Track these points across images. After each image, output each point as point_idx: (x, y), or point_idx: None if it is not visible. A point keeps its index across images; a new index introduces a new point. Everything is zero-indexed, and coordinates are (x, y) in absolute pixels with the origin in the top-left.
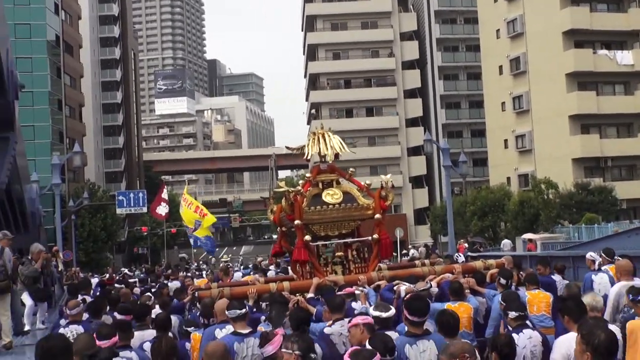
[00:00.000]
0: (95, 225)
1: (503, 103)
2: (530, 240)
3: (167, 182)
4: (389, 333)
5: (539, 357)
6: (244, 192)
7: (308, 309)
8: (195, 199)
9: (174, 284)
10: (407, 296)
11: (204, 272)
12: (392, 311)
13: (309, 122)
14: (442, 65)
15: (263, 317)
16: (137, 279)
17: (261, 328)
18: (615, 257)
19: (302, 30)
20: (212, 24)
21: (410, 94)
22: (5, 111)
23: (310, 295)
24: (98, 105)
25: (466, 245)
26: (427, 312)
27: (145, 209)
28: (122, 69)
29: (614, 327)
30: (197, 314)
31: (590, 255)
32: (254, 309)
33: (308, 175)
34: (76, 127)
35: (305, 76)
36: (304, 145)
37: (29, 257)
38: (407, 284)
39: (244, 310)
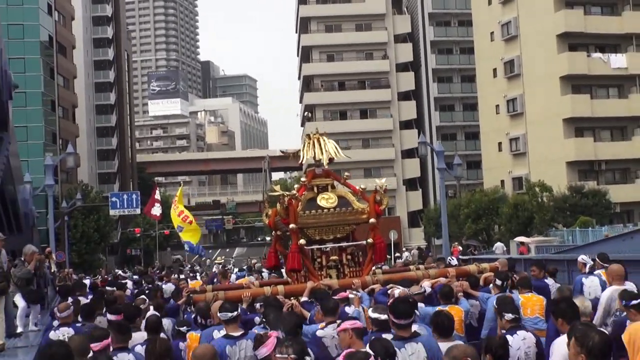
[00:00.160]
0: (88, 226)
1: (497, 106)
2: (522, 243)
3: (160, 183)
4: (386, 336)
5: (532, 358)
6: (238, 194)
7: (302, 313)
8: (189, 200)
9: (167, 287)
10: (390, 301)
11: (197, 275)
12: None
13: (302, 124)
14: (436, 68)
15: (257, 319)
16: (130, 280)
17: (255, 331)
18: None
19: (296, 32)
20: (206, 25)
21: (404, 96)
22: None
23: (304, 298)
24: (91, 106)
25: (460, 248)
26: (413, 314)
27: (138, 211)
28: (116, 70)
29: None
30: (193, 316)
31: (581, 258)
32: (247, 312)
33: (303, 179)
34: (69, 128)
35: (299, 78)
36: (299, 150)
37: (22, 259)
38: (401, 287)
39: (235, 313)
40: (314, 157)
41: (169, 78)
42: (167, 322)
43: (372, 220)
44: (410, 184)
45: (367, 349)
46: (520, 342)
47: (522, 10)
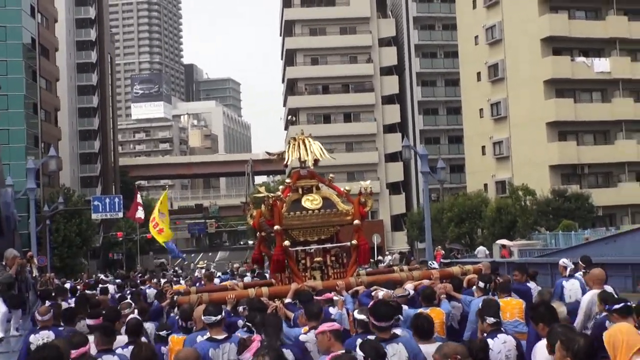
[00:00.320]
0: (70, 230)
1: (481, 110)
2: (504, 246)
3: (143, 187)
4: (369, 337)
5: None
6: (220, 198)
7: (286, 315)
8: (172, 204)
9: (150, 291)
10: (370, 303)
11: (181, 279)
12: None
13: (286, 128)
14: (420, 72)
15: (240, 322)
16: (112, 285)
17: (238, 334)
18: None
19: (281, 35)
20: (190, 28)
21: (388, 100)
22: None
23: (288, 300)
24: (74, 109)
25: (443, 252)
26: (393, 317)
27: (120, 214)
28: (99, 73)
29: None
30: (177, 318)
31: (562, 261)
32: (231, 314)
33: (288, 180)
34: (51, 131)
35: (283, 81)
36: (284, 151)
37: (3, 263)
38: (385, 289)
39: (219, 317)
40: (299, 159)
41: (152, 81)
42: (150, 326)
43: (356, 221)
44: (394, 188)
45: (358, 350)
46: (500, 345)
47: (506, 14)
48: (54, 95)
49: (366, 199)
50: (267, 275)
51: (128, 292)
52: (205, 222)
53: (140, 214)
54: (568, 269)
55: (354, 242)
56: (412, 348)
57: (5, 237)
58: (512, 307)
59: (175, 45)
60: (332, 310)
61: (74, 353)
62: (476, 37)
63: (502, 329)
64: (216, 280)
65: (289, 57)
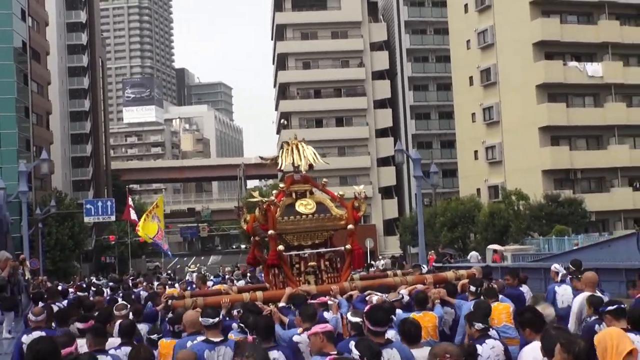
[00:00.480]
0: (63, 233)
1: (473, 114)
2: (495, 251)
3: (135, 191)
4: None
5: None
6: (213, 202)
7: (281, 319)
8: (164, 208)
9: (143, 293)
10: (367, 307)
11: (176, 283)
12: None
13: (278, 132)
14: (412, 76)
15: (235, 325)
16: (106, 288)
17: (231, 336)
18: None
19: (272, 40)
20: (181, 32)
21: (380, 104)
22: None
23: (282, 304)
24: (65, 112)
25: (435, 256)
26: (389, 322)
27: (113, 218)
28: (90, 77)
29: None
30: (167, 321)
31: (554, 267)
32: (226, 318)
33: (281, 185)
34: (43, 134)
35: (274, 85)
36: (278, 156)
37: None
38: (379, 294)
39: (217, 319)
40: (293, 164)
41: (144, 85)
42: (143, 327)
43: (350, 226)
44: (386, 192)
45: (353, 349)
46: (489, 350)
47: (498, 18)
48: (45, 99)
49: (360, 204)
50: (260, 277)
51: (121, 294)
52: (197, 226)
53: (133, 215)
54: (560, 275)
55: (348, 246)
56: (405, 353)
57: None
58: (499, 312)
59: (166, 49)
60: (326, 314)
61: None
62: (468, 41)
63: (489, 334)
64: (209, 284)
65: (281, 61)
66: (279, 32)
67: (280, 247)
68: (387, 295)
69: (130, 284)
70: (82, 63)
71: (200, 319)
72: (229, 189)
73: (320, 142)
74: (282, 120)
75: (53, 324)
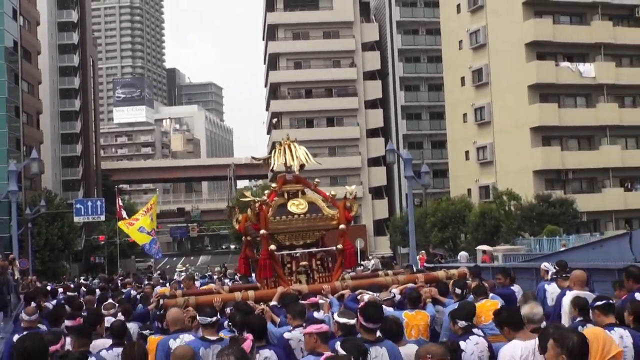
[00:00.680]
0: (52, 233)
1: (465, 114)
2: (484, 252)
3: (124, 191)
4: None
5: None
6: (202, 202)
7: (273, 318)
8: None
9: (133, 293)
10: (361, 304)
11: (167, 283)
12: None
13: (269, 132)
14: (404, 76)
15: (226, 323)
16: (96, 288)
17: (221, 334)
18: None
19: (264, 40)
20: (172, 32)
21: (371, 104)
22: None
23: (273, 303)
24: (56, 112)
25: (426, 256)
26: (382, 319)
27: (103, 218)
28: (81, 76)
29: None
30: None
31: (544, 265)
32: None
33: (273, 185)
34: (33, 134)
35: (265, 85)
36: (270, 156)
37: None
38: (371, 293)
39: (214, 319)
40: (285, 164)
41: (135, 85)
42: (132, 326)
43: (342, 226)
44: (376, 193)
45: (339, 349)
46: (473, 347)
47: (490, 18)
48: (36, 99)
49: (352, 204)
50: (250, 279)
51: (110, 294)
52: (187, 226)
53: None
54: (550, 273)
55: (340, 246)
56: (394, 352)
57: None
58: (487, 310)
59: (157, 49)
60: (316, 314)
61: None
62: (460, 41)
63: (473, 330)
64: (196, 284)
65: (272, 61)
66: (271, 32)
67: (272, 247)
68: (378, 294)
69: (119, 284)
70: (73, 63)
71: (198, 317)
72: (218, 189)
73: (311, 142)
74: (273, 120)
75: (40, 325)
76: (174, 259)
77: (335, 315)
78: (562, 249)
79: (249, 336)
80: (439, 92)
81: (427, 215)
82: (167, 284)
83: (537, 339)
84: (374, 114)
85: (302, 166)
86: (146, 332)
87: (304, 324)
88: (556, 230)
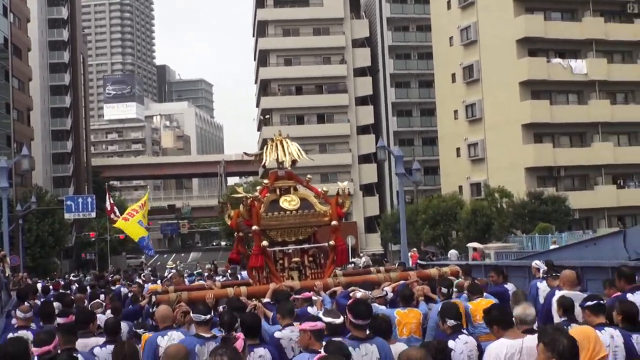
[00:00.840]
0: (43, 230)
1: (456, 111)
2: (475, 249)
3: (115, 187)
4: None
5: None
6: (193, 199)
7: (265, 314)
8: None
9: (123, 290)
10: (350, 301)
11: (158, 280)
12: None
13: (259, 129)
14: (394, 73)
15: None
16: (80, 285)
17: (213, 332)
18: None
19: (254, 36)
20: (162, 29)
21: (361, 101)
22: None
23: (266, 300)
24: (46, 109)
25: (418, 254)
26: (370, 316)
27: (93, 214)
28: (71, 73)
29: None
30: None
31: (535, 263)
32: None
33: (265, 181)
34: (24, 130)
35: (255, 82)
36: (262, 152)
37: None
38: (363, 290)
39: (208, 316)
40: (277, 160)
41: (125, 82)
42: (123, 325)
43: (334, 222)
44: (367, 190)
45: (322, 351)
46: (462, 346)
47: (481, 15)
48: (26, 95)
49: (344, 200)
50: (239, 276)
51: (101, 291)
52: (177, 223)
53: (113, 216)
54: (541, 270)
55: (332, 242)
56: (384, 350)
57: None
58: (482, 309)
59: (147, 46)
60: (310, 309)
61: (37, 351)
62: (451, 38)
63: (462, 330)
64: (185, 282)
65: (262, 58)
66: (261, 29)
67: (265, 243)
68: (371, 292)
69: (109, 281)
70: (63, 59)
71: (192, 314)
72: (209, 185)
73: (301, 138)
74: (266, 115)
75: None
76: (165, 255)
77: (321, 315)
78: (553, 246)
79: (241, 335)
80: (429, 89)
81: (418, 212)
82: (158, 281)
83: (524, 339)
84: (364, 111)
85: (294, 162)
86: (140, 330)
87: (293, 323)
88: (548, 227)
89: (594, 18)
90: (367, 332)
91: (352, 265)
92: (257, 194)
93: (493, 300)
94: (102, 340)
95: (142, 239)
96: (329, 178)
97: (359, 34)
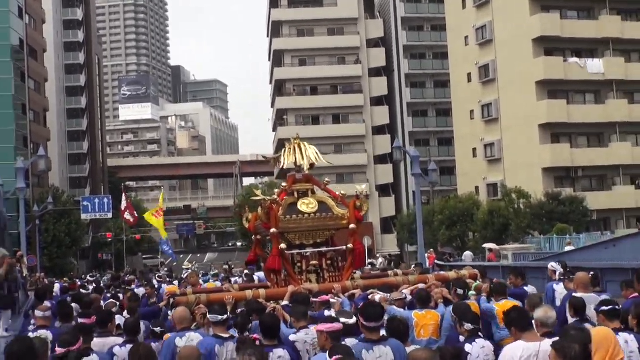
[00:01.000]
0: (60, 230)
1: (472, 111)
2: (490, 250)
3: (131, 188)
4: (349, 340)
5: None
6: (208, 199)
7: (284, 317)
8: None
9: (140, 290)
10: (360, 305)
11: (174, 281)
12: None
13: (274, 129)
14: (409, 73)
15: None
16: (97, 285)
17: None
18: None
19: (268, 37)
20: (176, 30)
21: (376, 101)
22: None
23: (285, 302)
24: (62, 110)
25: (435, 255)
26: (382, 317)
27: (110, 215)
28: (87, 74)
29: None
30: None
31: (551, 265)
32: (230, 314)
33: (283, 184)
34: (40, 131)
35: (270, 82)
36: (280, 155)
37: None
38: (382, 293)
39: (225, 316)
40: (295, 163)
41: (140, 82)
42: (142, 326)
43: (352, 225)
44: (383, 190)
45: (327, 355)
46: (479, 350)
47: (497, 14)
48: (42, 96)
49: (362, 203)
50: (256, 277)
51: (119, 291)
52: (193, 223)
53: (128, 216)
54: (557, 273)
55: (350, 245)
56: (399, 351)
57: None
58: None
59: (162, 47)
60: (327, 313)
61: (60, 351)
62: (466, 37)
63: (479, 334)
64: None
65: (277, 58)
66: (275, 29)
67: (283, 246)
68: (390, 294)
69: (126, 280)
70: (78, 60)
71: (208, 315)
72: (224, 186)
73: (316, 139)
74: (283, 116)
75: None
76: (181, 256)
77: (334, 315)
78: (569, 248)
79: (256, 337)
80: (445, 89)
81: (435, 213)
82: (175, 282)
83: (542, 342)
84: (379, 111)
85: (312, 165)
86: (157, 329)
87: (308, 326)
88: (566, 228)
89: (610, 16)
90: (381, 334)
91: (370, 267)
92: (275, 196)
93: (518, 303)
94: (120, 340)
95: (165, 244)
96: (345, 179)
97: (373, 34)
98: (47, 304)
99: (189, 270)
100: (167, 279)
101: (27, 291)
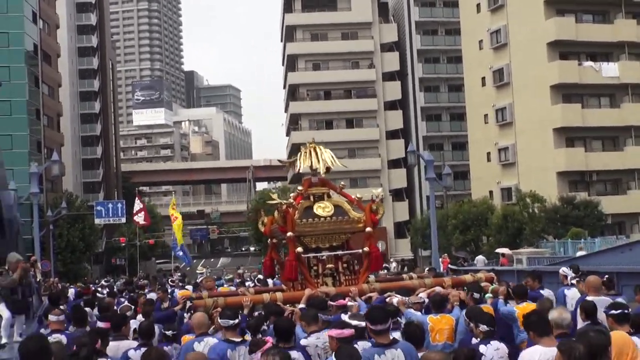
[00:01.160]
0: (73, 235)
1: (486, 115)
2: (503, 254)
3: (144, 193)
4: (361, 343)
5: None
6: (222, 204)
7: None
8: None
9: (152, 295)
10: (365, 309)
11: (187, 285)
12: None
13: (288, 134)
14: (423, 77)
15: (243, 325)
16: (110, 290)
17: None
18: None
19: (282, 41)
20: (190, 35)
21: (390, 105)
22: None
23: (301, 305)
24: (76, 115)
25: (449, 259)
26: (388, 319)
27: (123, 220)
28: (100, 79)
29: None
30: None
31: (562, 270)
32: (247, 318)
33: (299, 187)
34: (54, 136)
35: (284, 87)
36: (296, 159)
37: (6, 268)
38: (399, 296)
39: (236, 321)
40: (311, 166)
41: (153, 87)
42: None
43: (368, 229)
44: (397, 195)
45: (333, 357)
46: (493, 352)
47: (511, 17)
48: (56, 101)
49: (377, 207)
50: (269, 282)
51: (133, 296)
52: (207, 228)
53: (138, 218)
54: (569, 278)
55: (366, 249)
56: (410, 354)
57: (6, 239)
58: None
59: (175, 52)
60: (344, 317)
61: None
62: (480, 41)
63: (495, 336)
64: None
65: (290, 63)
66: (289, 34)
67: (299, 249)
68: (408, 298)
69: (139, 285)
70: (92, 65)
71: (219, 319)
72: (238, 191)
73: (330, 143)
74: (297, 122)
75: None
76: (195, 260)
77: (346, 318)
78: (580, 253)
79: (269, 339)
80: (459, 93)
81: (449, 217)
82: (188, 287)
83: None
84: (393, 115)
85: (327, 169)
86: (169, 332)
87: (319, 330)
88: (581, 232)
89: (626, 20)
90: (392, 336)
91: (385, 271)
92: (291, 200)
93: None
94: (134, 343)
95: (180, 249)
96: (358, 183)
97: (387, 38)
98: (60, 308)
99: (204, 275)
100: (180, 284)
101: (41, 296)
